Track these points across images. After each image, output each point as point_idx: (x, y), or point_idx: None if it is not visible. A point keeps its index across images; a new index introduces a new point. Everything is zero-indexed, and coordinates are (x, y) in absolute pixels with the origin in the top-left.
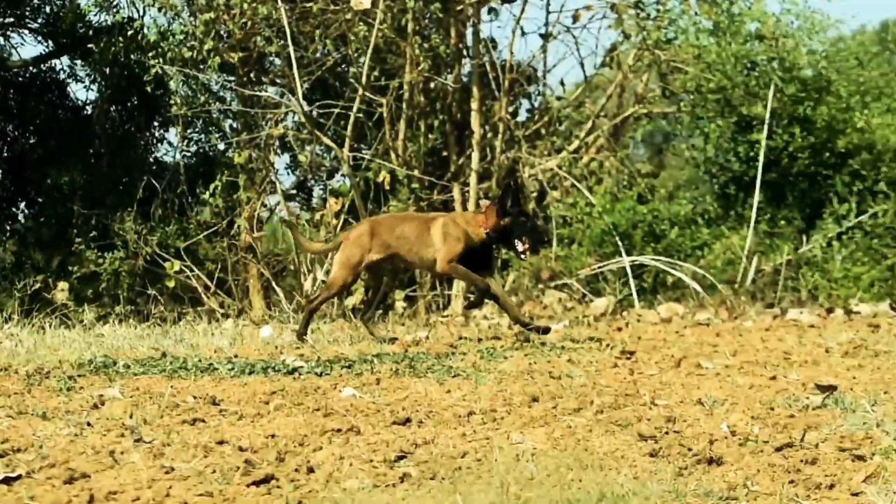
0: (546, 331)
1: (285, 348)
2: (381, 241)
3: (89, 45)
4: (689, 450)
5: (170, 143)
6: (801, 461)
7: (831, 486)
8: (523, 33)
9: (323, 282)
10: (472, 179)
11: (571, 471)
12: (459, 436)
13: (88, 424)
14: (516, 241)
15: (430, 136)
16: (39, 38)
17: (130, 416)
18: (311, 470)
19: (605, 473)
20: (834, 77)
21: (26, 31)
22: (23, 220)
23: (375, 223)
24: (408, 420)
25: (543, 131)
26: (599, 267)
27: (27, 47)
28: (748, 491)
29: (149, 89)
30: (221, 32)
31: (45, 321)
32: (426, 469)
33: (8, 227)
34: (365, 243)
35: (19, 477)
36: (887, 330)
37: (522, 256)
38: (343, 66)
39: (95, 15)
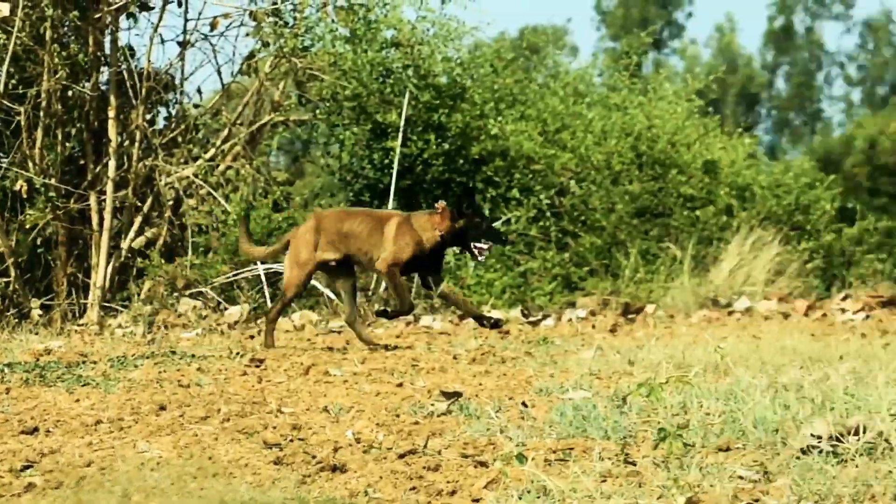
0: (496, 324)
1: None
2: (328, 237)
3: None
4: (314, 457)
5: None
6: (424, 468)
7: (453, 493)
8: (161, 41)
9: None
10: (109, 188)
11: (195, 479)
12: (86, 445)
13: None
14: (473, 243)
15: (67, 144)
16: None
17: None
18: None
19: (228, 481)
20: (469, 84)
21: None
22: None
23: (320, 216)
24: (35, 429)
25: (180, 139)
26: (234, 275)
27: None
28: (370, 498)
29: None
30: None
31: None
32: (51, 478)
33: None
34: (310, 240)
35: None
36: (516, 336)
37: (480, 258)
38: None
39: None
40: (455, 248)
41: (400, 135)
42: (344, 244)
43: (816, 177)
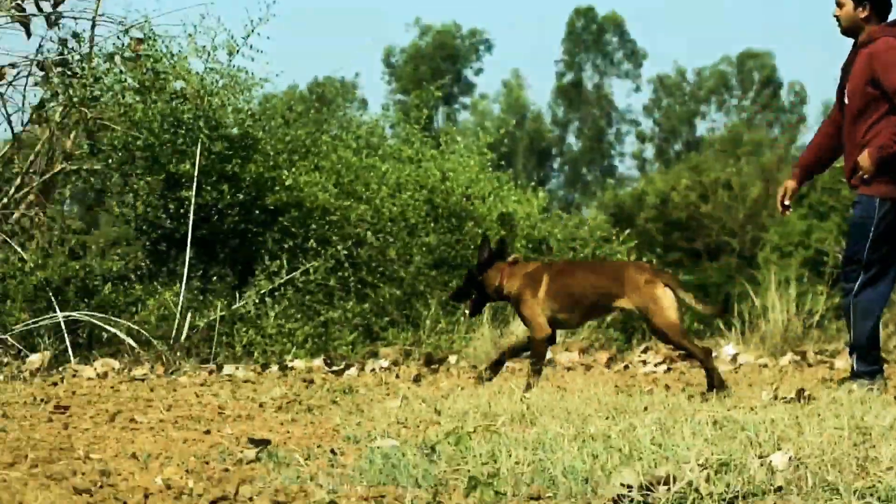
0: None
1: None
2: None
3: None
4: (125, 503)
5: None
6: None
7: None
8: None
9: None
10: None
11: None
12: None
13: None
14: None
15: None
16: None
17: None
18: None
19: None
20: (261, 135)
21: None
22: None
23: None
24: None
25: None
26: (33, 322)
27: None
28: None
29: None
30: None
31: None
32: None
33: None
34: None
35: None
36: (320, 385)
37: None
38: None
39: None
40: None
41: (194, 185)
42: None
43: (610, 231)
